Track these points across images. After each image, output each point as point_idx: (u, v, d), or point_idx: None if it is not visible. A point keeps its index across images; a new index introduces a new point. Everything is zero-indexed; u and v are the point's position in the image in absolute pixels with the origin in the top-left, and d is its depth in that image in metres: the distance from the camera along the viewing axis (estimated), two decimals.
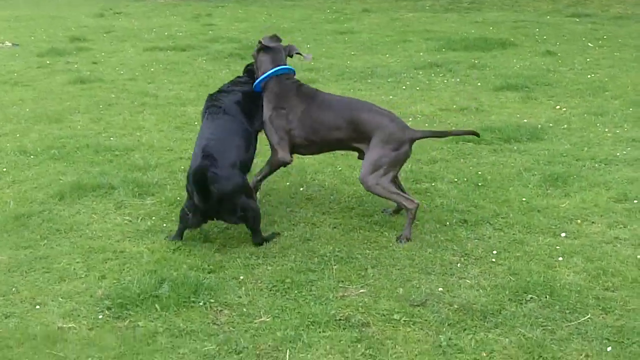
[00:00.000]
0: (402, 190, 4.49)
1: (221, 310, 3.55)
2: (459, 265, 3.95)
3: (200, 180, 3.95)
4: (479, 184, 5.09)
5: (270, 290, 3.72)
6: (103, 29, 13.39)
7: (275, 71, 4.62)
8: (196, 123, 6.66)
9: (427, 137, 4.62)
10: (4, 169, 5.75)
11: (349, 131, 4.41)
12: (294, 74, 4.78)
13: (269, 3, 16.86)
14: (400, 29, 12.25)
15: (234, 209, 4.11)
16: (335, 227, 4.47)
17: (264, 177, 4.68)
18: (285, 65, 4.71)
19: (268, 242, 4.26)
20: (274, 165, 4.60)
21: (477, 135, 4.79)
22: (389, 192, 4.31)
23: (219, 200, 4.03)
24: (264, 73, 4.64)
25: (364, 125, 4.36)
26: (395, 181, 4.42)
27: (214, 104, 4.55)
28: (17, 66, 10.22)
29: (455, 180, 5.18)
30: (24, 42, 12.28)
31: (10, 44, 12.07)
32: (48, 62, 10.37)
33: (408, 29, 12.18)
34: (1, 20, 15.64)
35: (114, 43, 11.88)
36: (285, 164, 4.58)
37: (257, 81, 4.66)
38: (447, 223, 4.47)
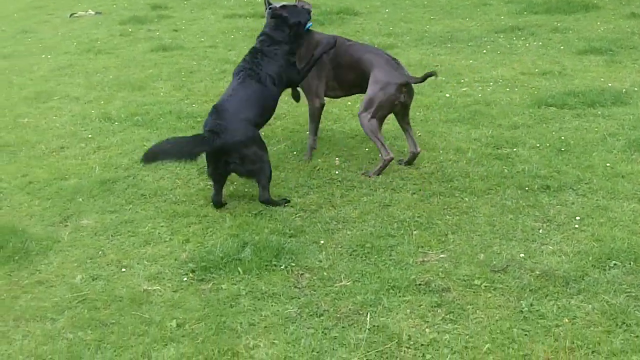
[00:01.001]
0: (410, 135, 4.83)
1: (302, 274, 3.61)
2: (540, 231, 3.89)
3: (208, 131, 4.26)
4: (562, 149, 4.98)
5: (350, 255, 3.75)
6: None
7: (310, 24, 4.97)
8: None
9: (414, 82, 4.76)
10: (89, 135, 5.94)
11: (357, 71, 4.88)
12: None
13: None
14: None
15: (241, 160, 4.28)
16: (414, 193, 4.45)
17: (316, 132, 5.11)
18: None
19: (275, 205, 4.36)
20: (316, 113, 5.06)
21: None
22: (374, 134, 4.68)
23: (226, 151, 4.21)
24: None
25: (364, 64, 4.83)
26: (402, 124, 4.88)
27: (252, 68, 4.63)
28: (100, 34, 10.45)
29: (538, 145, 5.07)
30: (106, 11, 12.53)
31: (93, 12, 12.34)
32: (130, 30, 10.57)
33: None
34: None
35: (195, 10, 11.99)
36: (323, 107, 5.09)
37: (306, 27, 4.90)
38: (529, 189, 4.39)
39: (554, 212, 4.09)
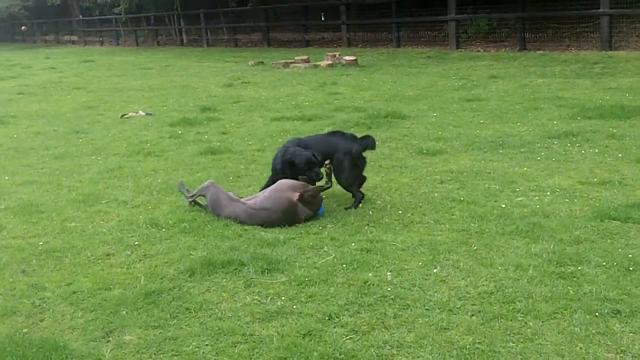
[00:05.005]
0: None
1: None
2: None
3: None
4: (630, 269, 4.68)
5: None
6: (232, 99, 13.75)
7: None
8: (325, 196, 6.57)
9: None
10: (136, 243, 5.83)
11: None
12: None
13: (394, 70, 16.88)
14: (530, 96, 11.89)
15: None
16: (473, 315, 4.19)
17: None
18: None
19: None
20: None
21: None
22: None
23: None
24: None
25: None
26: None
27: None
28: (150, 136, 10.57)
29: (604, 263, 4.79)
30: (156, 112, 12.76)
31: (143, 113, 12.56)
32: (180, 132, 10.68)
33: (538, 96, 11.81)
34: (135, 90, 16.40)
35: (242, 113, 12.12)
36: None
37: None
38: (598, 313, 4.09)
39: (627, 341, 3.78)
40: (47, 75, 21.24)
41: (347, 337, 4.01)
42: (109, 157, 9.23)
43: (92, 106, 14.18)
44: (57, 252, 5.75)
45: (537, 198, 6.30)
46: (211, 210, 6.34)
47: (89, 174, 8.41)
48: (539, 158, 7.74)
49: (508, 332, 3.95)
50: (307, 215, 6.02)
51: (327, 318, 4.24)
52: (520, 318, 4.11)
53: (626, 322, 3.98)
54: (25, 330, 4.42)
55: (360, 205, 6.36)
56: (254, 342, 4.05)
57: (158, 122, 11.75)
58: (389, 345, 3.89)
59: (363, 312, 4.31)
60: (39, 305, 4.78)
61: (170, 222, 6.27)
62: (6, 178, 8.40)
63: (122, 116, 12.49)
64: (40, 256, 5.69)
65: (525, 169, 7.32)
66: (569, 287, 4.42)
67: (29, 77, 21.01)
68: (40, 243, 5.97)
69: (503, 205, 6.12)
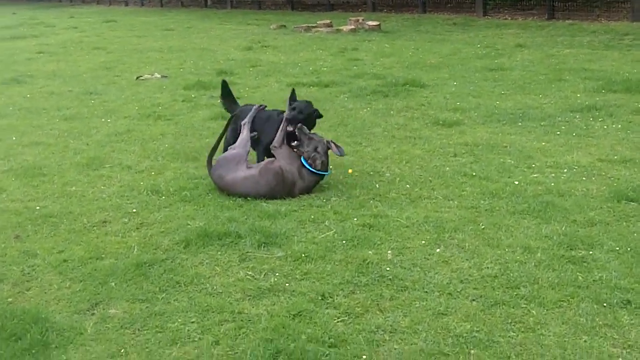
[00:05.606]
0: None
1: None
2: (620, 359, 3.35)
3: None
4: None
5: None
6: (249, 63, 13.47)
7: None
8: (331, 168, 6.35)
9: None
10: (134, 210, 5.67)
11: None
12: None
13: (417, 37, 16.44)
14: (555, 67, 11.47)
15: None
16: (474, 300, 3.96)
17: None
18: None
19: None
20: None
21: None
22: None
23: None
24: None
25: None
26: None
27: None
28: (163, 99, 10.37)
29: (617, 248, 4.52)
30: (172, 74, 12.53)
31: (159, 76, 12.35)
32: (193, 95, 10.46)
33: (564, 67, 11.38)
34: (155, 51, 16.17)
35: (259, 77, 11.86)
36: None
37: None
38: (606, 303, 3.84)
39: (635, 335, 3.54)
40: (69, 35, 21.05)
41: (339, 320, 3.82)
42: (119, 120, 9.06)
43: (110, 67, 13.99)
44: (53, 218, 5.61)
45: (553, 175, 6.02)
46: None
47: (97, 136, 8.25)
48: (558, 132, 7.42)
49: (509, 321, 3.73)
50: None
51: (320, 298, 4.05)
52: (524, 305, 3.87)
53: (636, 314, 3.73)
54: (10, 299, 4.28)
55: (369, 177, 6.13)
56: (241, 320, 3.87)
57: (173, 85, 11.54)
58: (382, 330, 3.68)
59: (358, 292, 4.11)
60: (28, 274, 4.65)
61: (171, 189, 6.09)
62: (14, 138, 8.27)
63: (137, 78, 12.29)
64: (36, 221, 5.55)
65: (543, 143, 7.02)
66: (577, 273, 4.17)
67: (51, 36, 20.84)
68: (38, 207, 5.83)
69: (516, 182, 5.85)
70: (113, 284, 4.39)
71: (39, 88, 11.85)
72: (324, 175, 5.86)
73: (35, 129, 8.79)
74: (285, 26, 19.78)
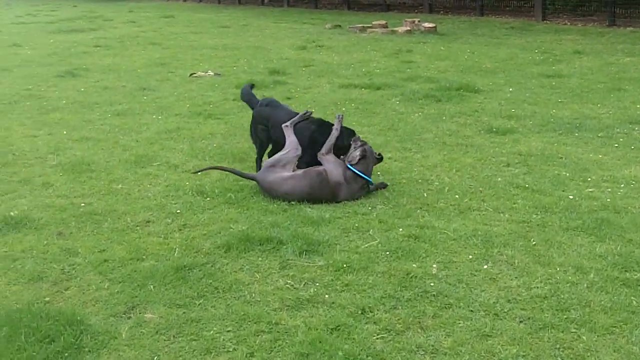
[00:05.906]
0: None
1: None
2: None
3: None
4: None
5: None
6: (303, 63, 13.39)
7: None
8: (379, 174, 6.21)
9: None
10: (178, 211, 5.62)
11: None
12: None
13: (473, 40, 16.14)
14: (614, 75, 11.10)
15: None
16: (521, 321, 3.78)
17: None
18: None
19: None
20: None
21: None
22: None
23: None
24: None
25: None
26: None
27: None
28: (215, 97, 10.36)
29: None
30: (225, 72, 12.53)
31: (212, 73, 12.35)
32: None
33: (624, 76, 11.01)
34: (210, 48, 16.22)
35: (311, 78, 11.77)
36: None
37: None
38: None
39: None
40: (127, 29, 21.30)
41: (378, 336, 3.68)
42: (170, 117, 9.06)
43: (165, 63, 14.07)
44: (97, 215, 5.60)
45: (609, 190, 5.78)
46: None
47: (147, 133, 8.26)
48: (616, 145, 7.14)
49: (557, 346, 3.54)
50: None
51: (360, 312, 3.92)
52: (574, 330, 3.68)
53: None
54: (47, 298, 4.26)
55: (417, 186, 5.98)
56: (278, 332, 3.76)
57: (225, 83, 11.53)
58: (422, 350, 3.54)
59: (400, 308, 3.96)
60: (68, 272, 4.63)
61: (216, 190, 6.02)
62: (64, 133, 8.34)
63: (190, 75, 12.32)
64: (80, 218, 5.54)
65: (600, 156, 6.76)
66: (632, 297, 3.96)
67: (109, 30, 21.12)
68: (83, 204, 5.83)
69: (571, 196, 5.63)
70: (152, 287, 4.34)
71: (93, 82, 11.98)
72: (369, 181, 5.73)
73: (86, 123, 8.86)
74: (340, 26, 19.65)
